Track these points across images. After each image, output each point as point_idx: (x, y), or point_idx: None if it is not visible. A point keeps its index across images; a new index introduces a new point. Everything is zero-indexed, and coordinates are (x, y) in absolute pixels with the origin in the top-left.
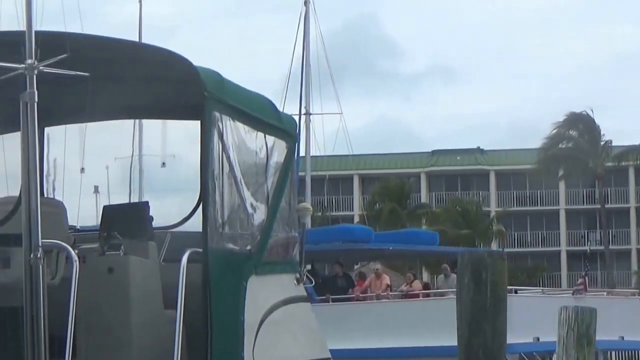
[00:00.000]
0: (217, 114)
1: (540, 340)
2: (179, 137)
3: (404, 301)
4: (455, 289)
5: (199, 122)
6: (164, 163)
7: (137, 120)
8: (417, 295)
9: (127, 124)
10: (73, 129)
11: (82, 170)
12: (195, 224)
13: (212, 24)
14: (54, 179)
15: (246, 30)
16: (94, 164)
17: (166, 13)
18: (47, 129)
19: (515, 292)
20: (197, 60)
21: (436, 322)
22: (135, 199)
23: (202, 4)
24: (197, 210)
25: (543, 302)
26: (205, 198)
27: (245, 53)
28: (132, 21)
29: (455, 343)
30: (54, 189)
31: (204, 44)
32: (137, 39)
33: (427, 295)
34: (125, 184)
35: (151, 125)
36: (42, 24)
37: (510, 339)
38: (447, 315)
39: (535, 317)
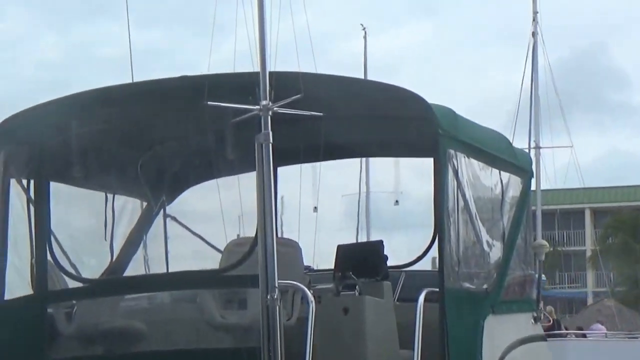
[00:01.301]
0: (451, 151)
1: None
2: (407, 174)
3: None
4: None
5: (430, 159)
6: (397, 201)
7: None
8: None
9: (353, 161)
10: (305, 168)
11: (315, 209)
12: (426, 262)
13: (435, 57)
14: (282, 215)
15: (470, 63)
16: (321, 202)
17: (390, 48)
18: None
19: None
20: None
21: None
22: (362, 236)
23: (425, 37)
24: (431, 249)
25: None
26: (440, 236)
27: (469, 86)
28: (358, 56)
29: None
30: (282, 225)
31: (427, 78)
32: (362, 75)
33: None
34: (353, 221)
35: (378, 162)
36: (276, 64)
37: None
38: None
39: None
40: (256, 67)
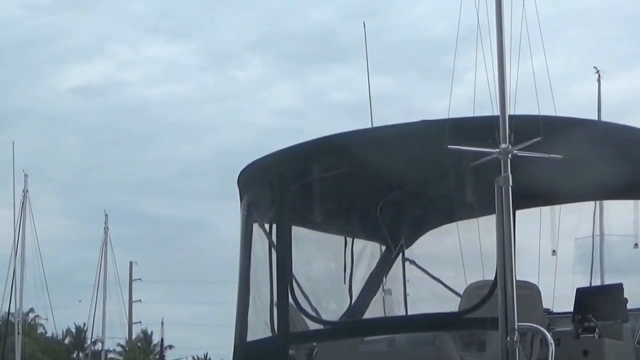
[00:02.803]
0: None
1: None
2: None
3: None
4: None
5: None
6: (636, 244)
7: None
8: None
9: (585, 204)
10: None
11: (554, 252)
12: None
13: None
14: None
15: None
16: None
17: (623, 90)
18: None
19: None
20: None
21: None
22: (596, 279)
23: None
24: None
25: None
26: None
27: None
28: (590, 98)
29: None
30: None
31: None
32: (595, 117)
33: None
34: (585, 264)
35: (612, 205)
36: (515, 107)
37: None
38: None
39: None
40: (495, 111)
